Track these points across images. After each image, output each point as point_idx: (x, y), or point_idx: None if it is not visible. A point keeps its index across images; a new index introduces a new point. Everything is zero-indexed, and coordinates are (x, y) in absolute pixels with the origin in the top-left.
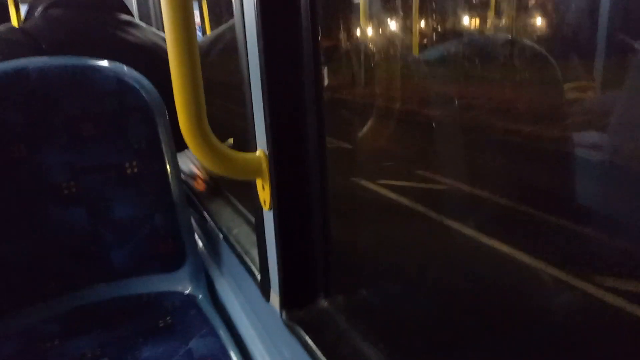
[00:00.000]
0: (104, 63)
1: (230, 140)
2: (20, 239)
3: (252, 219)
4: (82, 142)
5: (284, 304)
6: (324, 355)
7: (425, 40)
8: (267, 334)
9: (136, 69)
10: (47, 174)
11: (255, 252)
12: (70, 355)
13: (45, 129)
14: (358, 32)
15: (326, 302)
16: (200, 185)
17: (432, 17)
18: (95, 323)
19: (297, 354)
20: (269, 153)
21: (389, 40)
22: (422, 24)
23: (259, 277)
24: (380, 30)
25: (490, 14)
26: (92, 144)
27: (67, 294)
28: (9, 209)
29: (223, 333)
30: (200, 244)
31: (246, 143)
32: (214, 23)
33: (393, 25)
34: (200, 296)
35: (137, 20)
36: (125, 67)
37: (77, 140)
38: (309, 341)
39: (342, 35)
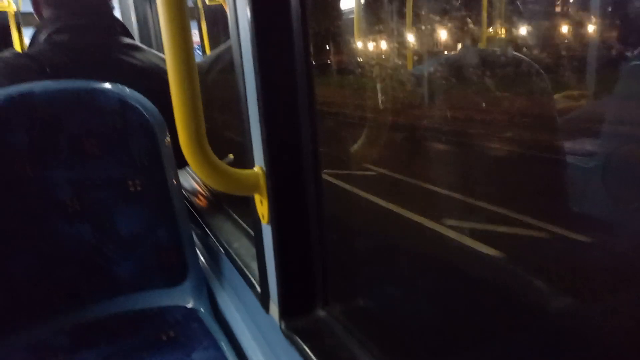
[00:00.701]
0: (107, 85)
1: (231, 156)
2: (27, 256)
3: (252, 233)
4: (85, 159)
5: (282, 315)
6: None
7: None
8: (267, 344)
9: (138, 90)
10: (52, 191)
11: (254, 265)
12: None
13: (50, 148)
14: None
15: (323, 312)
16: (201, 201)
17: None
18: (101, 337)
19: None
20: (266, 169)
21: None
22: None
23: (258, 289)
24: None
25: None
26: (95, 161)
27: (74, 309)
28: (16, 226)
29: (225, 345)
30: (201, 258)
31: (246, 158)
32: (212, 41)
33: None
34: (202, 309)
35: (138, 42)
36: (127, 89)
37: (81, 158)
38: (307, 350)
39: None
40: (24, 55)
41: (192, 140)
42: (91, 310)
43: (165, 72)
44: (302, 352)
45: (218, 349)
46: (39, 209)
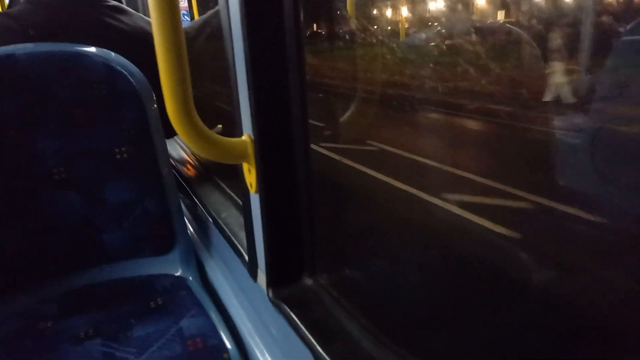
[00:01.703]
0: (92, 49)
1: (220, 127)
2: (15, 224)
3: (240, 203)
4: (72, 127)
5: (270, 283)
6: (308, 330)
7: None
8: (254, 312)
9: (124, 55)
10: (38, 159)
11: (243, 235)
12: (66, 335)
13: (36, 115)
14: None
15: (311, 280)
16: (189, 171)
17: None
18: (89, 304)
19: (283, 330)
20: (254, 137)
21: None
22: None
23: (246, 257)
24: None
25: None
26: (82, 129)
27: (62, 277)
28: (2, 195)
29: (213, 313)
30: (190, 227)
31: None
32: (201, 8)
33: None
34: (191, 278)
35: (124, 6)
36: (113, 54)
37: (68, 125)
38: (295, 317)
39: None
40: (4, 14)
41: (180, 107)
42: (80, 277)
43: (152, 38)
44: (289, 319)
45: (206, 316)
46: (26, 177)
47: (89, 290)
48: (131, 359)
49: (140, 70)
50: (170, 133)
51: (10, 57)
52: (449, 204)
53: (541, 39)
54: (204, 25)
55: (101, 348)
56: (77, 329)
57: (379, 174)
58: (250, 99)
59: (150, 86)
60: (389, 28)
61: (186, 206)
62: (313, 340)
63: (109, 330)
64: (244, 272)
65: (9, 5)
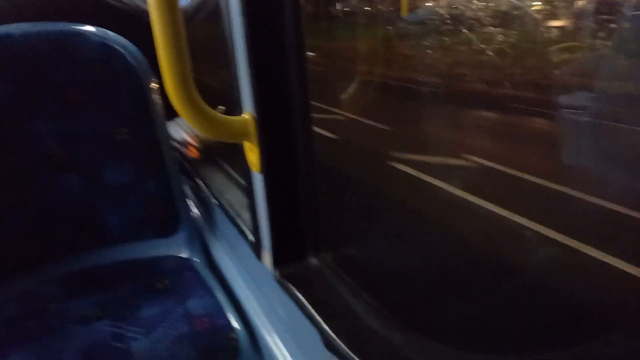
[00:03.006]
0: (89, 28)
1: (222, 108)
2: (17, 207)
3: (243, 183)
4: (70, 108)
5: (275, 262)
6: (314, 308)
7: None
8: (260, 291)
9: (121, 34)
10: (37, 141)
11: (247, 215)
12: (72, 316)
13: (33, 96)
14: None
15: (315, 259)
16: (192, 152)
17: None
18: (95, 286)
19: (289, 308)
20: (255, 115)
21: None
22: None
23: (251, 237)
24: None
25: None
26: (79, 110)
27: (66, 259)
28: (2, 178)
29: (219, 293)
30: (194, 209)
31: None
32: None
33: None
34: (196, 259)
35: None
36: (110, 33)
37: (65, 106)
38: (300, 296)
39: None
40: None
41: (179, 85)
42: (82, 260)
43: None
44: (294, 298)
45: (212, 297)
46: (24, 160)
47: (92, 273)
48: (139, 338)
49: (140, 50)
50: (172, 115)
51: (5, 36)
52: None
53: None
54: (203, 3)
55: (110, 328)
56: (83, 310)
57: None
58: (250, 76)
59: (151, 66)
60: None
61: (189, 188)
62: (318, 317)
63: (116, 310)
64: (248, 252)
65: None
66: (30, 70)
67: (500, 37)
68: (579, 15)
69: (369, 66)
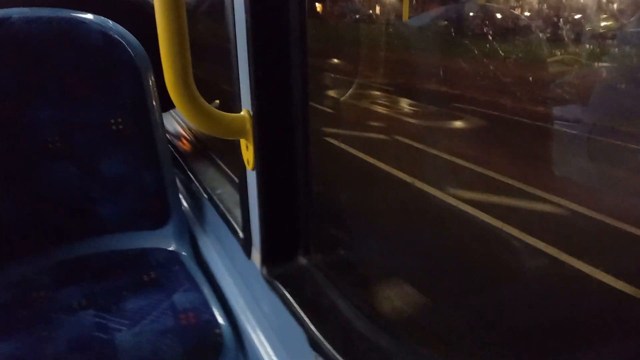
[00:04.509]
0: (90, 16)
1: (217, 102)
2: (11, 194)
3: (236, 180)
4: (67, 96)
5: (264, 261)
6: (301, 308)
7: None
8: (247, 289)
9: (122, 24)
10: (34, 129)
11: (237, 212)
12: (59, 305)
13: (31, 82)
14: None
15: (305, 259)
16: (185, 146)
17: None
18: (83, 275)
19: (276, 307)
20: (253, 113)
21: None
22: None
23: (241, 234)
24: None
25: None
26: (77, 98)
27: (57, 248)
28: None
29: (205, 288)
30: (184, 202)
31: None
32: None
33: None
34: (184, 253)
35: None
36: (110, 22)
37: (63, 94)
38: (287, 295)
39: None
40: None
41: (179, 79)
42: (74, 248)
43: (152, 7)
44: (282, 297)
45: (199, 291)
46: (20, 147)
47: (83, 262)
48: (123, 330)
49: (139, 41)
50: (167, 106)
51: (6, 20)
52: None
53: None
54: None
55: (94, 319)
56: (70, 299)
57: None
58: (250, 73)
59: (149, 58)
60: None
61: (181, 181)
62: (305, 317)
63: (102, 301)
64: (237, 248)
65: None
66: (30, 55)
67: None
68: None
69: None
